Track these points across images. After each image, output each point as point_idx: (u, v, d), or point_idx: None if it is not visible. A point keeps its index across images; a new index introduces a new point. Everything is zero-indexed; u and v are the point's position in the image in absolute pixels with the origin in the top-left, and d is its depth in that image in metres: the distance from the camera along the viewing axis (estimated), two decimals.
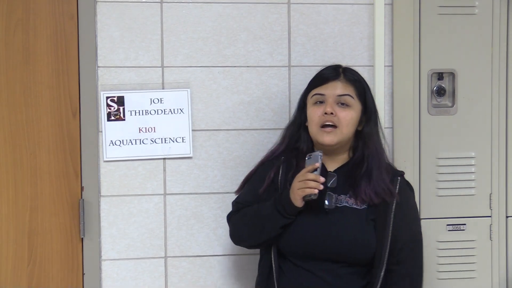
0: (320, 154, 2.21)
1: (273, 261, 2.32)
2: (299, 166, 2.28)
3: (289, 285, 2.30)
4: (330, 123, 2.27)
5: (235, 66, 2.73)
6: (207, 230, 2.74)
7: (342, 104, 2.29)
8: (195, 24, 2.70)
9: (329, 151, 2.33)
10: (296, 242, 2.27)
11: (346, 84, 2.32)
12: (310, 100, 2.35)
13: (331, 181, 2.30)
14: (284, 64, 2.75)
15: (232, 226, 2.43)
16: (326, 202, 2.26)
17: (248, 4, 2.72)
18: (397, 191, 2.30)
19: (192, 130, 2.71)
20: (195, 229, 2.74)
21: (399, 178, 2.33)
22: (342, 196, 2.29)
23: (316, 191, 2.17)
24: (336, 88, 2.31)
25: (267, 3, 2.73)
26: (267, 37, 2.74)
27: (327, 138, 2.28)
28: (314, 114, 2.31)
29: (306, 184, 2.18)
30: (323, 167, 2.27)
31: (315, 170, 2.18)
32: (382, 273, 2.24)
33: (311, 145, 2.39)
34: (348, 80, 2.33)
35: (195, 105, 2.71)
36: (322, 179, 2.17)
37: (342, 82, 2.32)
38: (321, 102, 2.31)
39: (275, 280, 2.30)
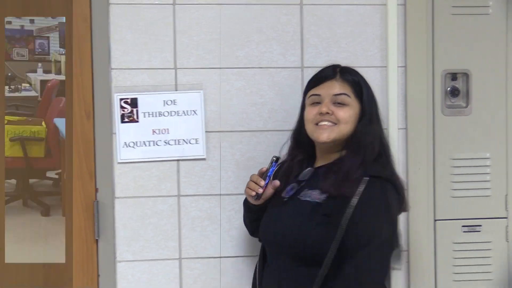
0: (274, 158, 2.36)
1: (259, 257, 2.40)
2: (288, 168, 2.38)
3: (263, 280, 2.34)
4: (328, 123, 2.23)
5: (248, 67, 2.73)
6: (221, 231, 2.74)
7: (339, 103, 2.24)
8: (208, 25, 2.71)
9: (325, 149, 2.30)
10: (260, 230, 2.36)
11: (342, 84, 2.27)
12: (307, 101, 2.33)
13: (304, 175, 2.31)
14: (297, 65, 2.75)
15: None
16: (284, 194, 2.31)
17: (260, 6, 2.73)
18: (360, 190, 2.13)
19: (206, 131, 2.71)
20: (209, 230, 2.74)
21: (367, 178, 2.15)
22: (309, 191, 2.24)
23: (254, 193, 2.32)
24: (332, 88, 2.26)
25: (279, 4, 2.73)
26: (279, 38, 2.74)
27: (323, 135, 2.24)
28: (310, 113, 2.28)
29: (248, 185, 2.36)
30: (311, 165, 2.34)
31: (264, 173, 2.35)
32: (323, 272, 2.08)
33: (311, 148, 2.37)
34: (345, 79, 2.28)
35: (208, 107, 2.72)
36: (262, 182, 2.32)
37: (339, 81, 2.27)
38: (317, 103, 2.27)
39: (257, 275, 2.38)
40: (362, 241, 2.09)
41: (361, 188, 2.13)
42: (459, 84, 2.84)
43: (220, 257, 2.75)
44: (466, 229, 2.84)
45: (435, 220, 2.82)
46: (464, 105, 2.85)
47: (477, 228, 2.85)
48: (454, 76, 2.84)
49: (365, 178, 2.15)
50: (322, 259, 2.09)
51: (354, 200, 2.10)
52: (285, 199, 2.28)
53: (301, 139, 2.39)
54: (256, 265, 2.43)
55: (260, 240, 2.43)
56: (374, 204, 2.14)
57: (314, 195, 2.21)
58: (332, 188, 2.16)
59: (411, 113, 2.79)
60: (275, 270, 2.24)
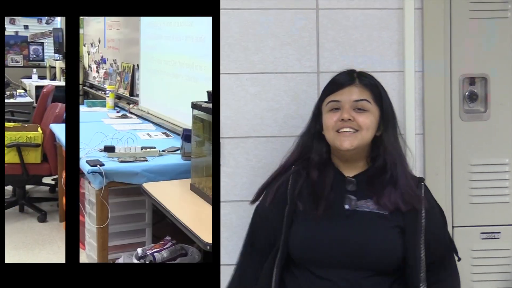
0: None
1: (274, 272, 2.25)
2: (309, 176, 2.25)
3: None
4: (350, 130, 2.20)
5: (263, 73, 2.71)
6: (236, 238, 2.71)
7: (359, 109, 2.21)
8: (222, 30, 2.68)
9: (346, 157, 2.26)
10: (314, 248, 2.18)
11: (362, 89, 2.24)
12: (325, 108, 2.27)
13: (350, 186, 2.23)
14: (313, 70, 2.73)
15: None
16: (346, 205, 2.19)
17: (275, 10, 2.70)
18: (423, 196, 2.21)
19: (220, 137, 2.69)
20: (224, 237, 2.72)
21: (423, 184, 2.25)
22: (363, 202, 2.19)
23: None
24: (352, 94, 2.22)
25: (295, 8, 2.70)
26: (295, 43, 2.71)
27: (346, 143, 2.19)
28: (330, 120, 2.23)
29: None
30: (340, 173, 2.27)
31: None
32: (421, 283, 2.13)
33: (325, 155, 2.31)
34: (364, 84, 2.25)
35: (223, 112, 2.69)
36: None
37: (358, 87, 2.24)
38: (337, 109, 2.23)
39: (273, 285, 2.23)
40: (443, 248, 2.24)
41: (423, 195, 2.22)
42: (477, 88, 2.81)
43: (236, 265, 2.72)
44: (484, 236, 2.81)
45: (453, 227, 2.78)
46: (482, 110, 2.81)
47: (496, 235, 2.81)
48: (472, 81, 2.80)
49: (420, 184, 2.24)
50: (395, 271, 2.15)
51: (423, 211, 2.19)
52: (348, 212, 2.19)
53: (313, 145, 2.33)
54: (270, 277, 2.27)
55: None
56: (436, 210, 2.27)
57: (372, 206, 2.19)
58: (401, 202, 2.17)
59: (429, 118, 2.76)
60: (333, 284, 2.14)
